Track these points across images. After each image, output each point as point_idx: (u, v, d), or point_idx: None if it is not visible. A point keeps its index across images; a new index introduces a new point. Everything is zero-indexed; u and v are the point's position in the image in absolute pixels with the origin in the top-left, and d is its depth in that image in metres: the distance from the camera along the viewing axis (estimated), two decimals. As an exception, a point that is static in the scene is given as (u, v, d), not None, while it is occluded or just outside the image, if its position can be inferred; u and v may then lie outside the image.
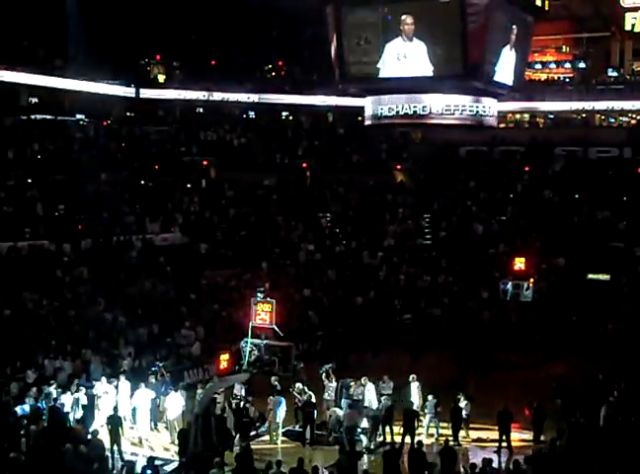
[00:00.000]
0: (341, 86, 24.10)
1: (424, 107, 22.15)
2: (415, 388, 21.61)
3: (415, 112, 22.26)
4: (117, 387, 21.14)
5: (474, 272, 34.69)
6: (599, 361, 24.13)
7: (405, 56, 21.22)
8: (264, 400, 21.22)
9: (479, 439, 20.97)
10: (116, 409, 19.80)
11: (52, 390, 20.21)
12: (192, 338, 26.75)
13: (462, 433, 20.87)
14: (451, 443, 19.23)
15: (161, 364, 22.96)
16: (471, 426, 21.38)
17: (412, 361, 27.35)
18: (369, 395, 21.20)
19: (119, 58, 42.67)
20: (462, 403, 21.02)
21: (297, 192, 41.85)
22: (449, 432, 20.61)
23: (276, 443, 20.67)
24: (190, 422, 19.04)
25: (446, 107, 22.15)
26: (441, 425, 21.11)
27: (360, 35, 21.89)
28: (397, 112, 22.39)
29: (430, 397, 21.02)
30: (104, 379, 21.34)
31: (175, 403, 20.85)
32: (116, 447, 18.95)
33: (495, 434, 20.22)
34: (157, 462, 18.25)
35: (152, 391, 21.24)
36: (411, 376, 21.83)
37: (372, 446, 20.24)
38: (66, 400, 20.11)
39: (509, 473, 17.02)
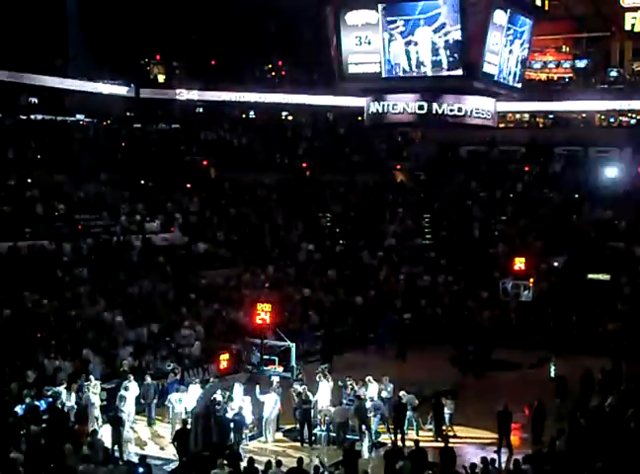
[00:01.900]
0: (341, 86, 24.10)
1: (425, 106, 22.15)
2: (373, 388, 21.50)
3: (416, 111, 22.28)
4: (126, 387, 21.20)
5: (474, 271, 34.71)
6: (599, 361, 24.11)
7: (410, 56, 21.22)
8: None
9: (479, 439, 20.98)
10: (117, 409, 19.80)
11: (62, 390, 20.32)
12: (191, 338, 26.75)
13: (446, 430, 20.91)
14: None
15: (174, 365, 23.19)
16: (471, 425, 21.41)
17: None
18: (322, 393, 21.20)
19: (118, 58, 42.69)
20: (447, 401, 20.99)
21: (297, 192, 41.85)
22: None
23: (274, 442, 20.70)
24: (189, 421, 19.04)
25: (448, 106, 22.15)
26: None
27: (359, 35, 21.90)
28: (398, 111, 22.40)
29: (401, 393, 20.97)
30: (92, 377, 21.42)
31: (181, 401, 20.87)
32: (116, 447, 18.94)
33: (494, 434, 20.21)
34: (158, 462, 18.30)
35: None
36: (367, 378, 21.68)
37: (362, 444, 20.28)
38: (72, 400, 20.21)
39: (509, 473, 17.01)
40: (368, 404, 20.69)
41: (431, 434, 20.83)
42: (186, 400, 20.78)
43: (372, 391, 21.34)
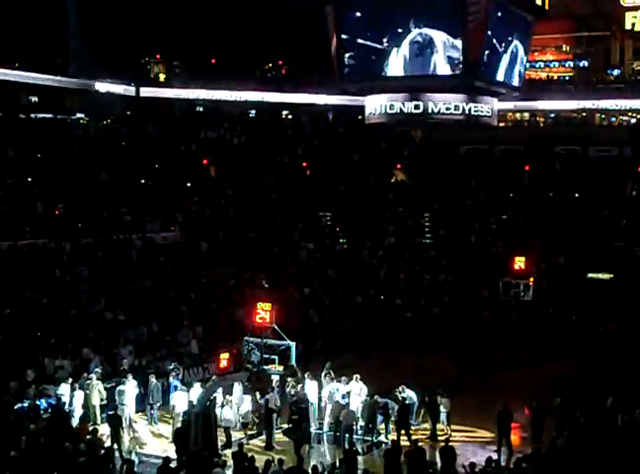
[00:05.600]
0: (341, 85, 24.13)
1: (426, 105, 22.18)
2: (358, 389, 21.47)
3: (417, 110, 22.31)
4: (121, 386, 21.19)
5: (474, 271, 34.70)
6: (599, 361, 24.10)
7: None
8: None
9: (479, 438, 20.99)
10: (116, 408, 19.81)
11: (62, 388, 20.36)
12: (189, 336, 26.76)
13: (444, 430, 20.92)
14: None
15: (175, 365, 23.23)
16: (471, 425, 21.41)
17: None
18: (310, 392, 21.18)
19: (119, 57, 42.68)
20: (442, 400, 20.98)
21: (297, 191, 41.85)
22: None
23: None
24: (188, 420, 19.03)
25: (448, 105, 22.19)
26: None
27: (360, 34, 21.93)
28: (400, 110, 22.43)
29: (376, 397, 21.01)
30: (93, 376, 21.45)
31: (182, 400, 20.88)
32: (115, 446, 18.94)
33: (494, 434, 20.21)
34: (158, 462, 18.26)
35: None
36: (355, 376, 21.69)
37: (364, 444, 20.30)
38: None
39: (509, 472, 17.02)
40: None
41: (427, 432, 20.86)
42: (187, 400, 20.78)
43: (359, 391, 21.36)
